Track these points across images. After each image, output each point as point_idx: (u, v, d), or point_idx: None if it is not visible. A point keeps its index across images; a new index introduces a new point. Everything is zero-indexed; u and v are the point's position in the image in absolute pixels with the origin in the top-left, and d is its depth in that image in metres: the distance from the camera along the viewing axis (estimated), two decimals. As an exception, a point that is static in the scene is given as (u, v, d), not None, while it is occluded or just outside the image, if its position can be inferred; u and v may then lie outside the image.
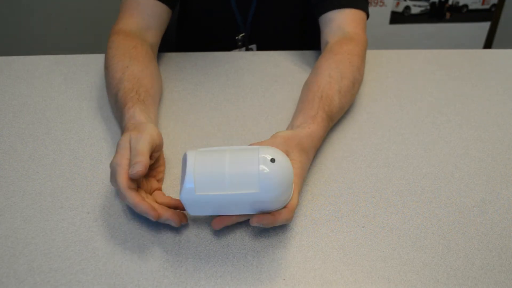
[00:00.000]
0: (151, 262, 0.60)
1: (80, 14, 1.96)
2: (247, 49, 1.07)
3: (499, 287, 0.59)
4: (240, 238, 0.63)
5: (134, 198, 0.59)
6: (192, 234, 0.63)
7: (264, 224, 0.59)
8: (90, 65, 0.94)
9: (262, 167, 0.57)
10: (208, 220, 0.65)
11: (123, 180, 0.59)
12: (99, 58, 0.95)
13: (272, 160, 0.57)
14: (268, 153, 0.58)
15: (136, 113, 0.69)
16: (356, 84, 0.82)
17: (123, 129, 0.69)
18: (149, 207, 0.59)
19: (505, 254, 0.63)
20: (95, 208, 0.66)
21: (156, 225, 0.64)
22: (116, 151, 0.63)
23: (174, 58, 0.96)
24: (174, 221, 0.61)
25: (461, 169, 0.75)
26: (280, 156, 0.58)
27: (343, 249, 0.62)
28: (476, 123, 0.84)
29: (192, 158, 0.58)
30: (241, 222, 0.64)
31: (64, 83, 0.89)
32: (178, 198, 0.63)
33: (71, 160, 0.74)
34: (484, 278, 0.60)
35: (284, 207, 0.60)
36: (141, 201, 0.59)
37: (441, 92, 0.90)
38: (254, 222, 0.59)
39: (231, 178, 0.56)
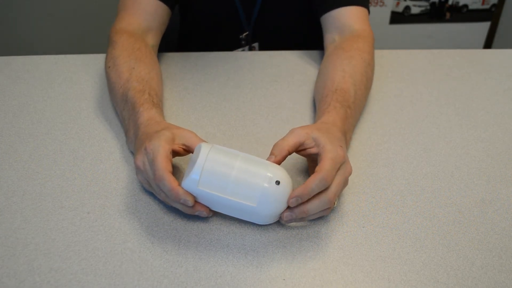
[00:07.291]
0: (151, 262, 0.60)
1: (80, 14, 1.96)
2: (250, 48, 1.06)
3: (499, 287, 0.59)
4: (240, 238, 0.63)
5: (172, 182, 0.59)
6: (192, 234, 0.63)
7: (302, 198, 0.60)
8: (90, 65, 0.94)
9: (265, 185, 0.58)
10: (208, 221, 0.65)
11: (162, 161, 0.60)
12: (99, 58, 0.95)
13: (277, 182, 0.58)
14: (276, 173, 0.59)
15: (156, 115, 0.70)
16: (369, 80, 0.83)
17: (138, 126, 0.69)
18: (187, 192, 0.59)
19: (505, 254, 0.63)
20: (95, 208, 0.66)
21: (155, 225, 0.64)
22: (153, 137, 0.63)
23: (174, 58, 0.96)
24: (205, 211, 0.61)
25: (461, 169, 0.75)
26: (285, 179, 0.60)
27: (343, 249, 0.62)
28: (476, 123, 0.84)
29: (205, 152, 0.59)
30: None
31: (64, 83, 0.89)
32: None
33: (71, 160, 0.73)
34: (484, 278, 0.60)
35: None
36: (179, 186, 0.59)
37: (441, 92, 0.90)
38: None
39: (234, 185, 0.58)
